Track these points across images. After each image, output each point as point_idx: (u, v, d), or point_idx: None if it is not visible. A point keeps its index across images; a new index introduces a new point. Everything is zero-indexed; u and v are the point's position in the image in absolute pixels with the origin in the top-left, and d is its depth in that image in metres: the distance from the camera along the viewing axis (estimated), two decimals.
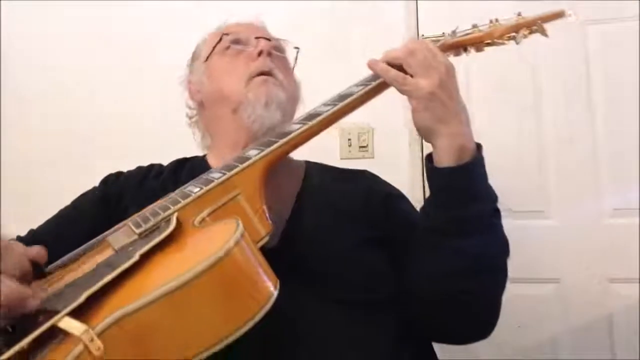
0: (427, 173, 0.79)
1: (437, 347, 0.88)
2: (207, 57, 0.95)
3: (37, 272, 0.62)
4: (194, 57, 1.00)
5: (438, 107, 0.74)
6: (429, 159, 0.78)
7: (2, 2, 1.92)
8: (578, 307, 1.56)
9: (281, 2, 1.74)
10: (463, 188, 0.75)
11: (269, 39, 0.94)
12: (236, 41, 0.93)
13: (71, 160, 1.82)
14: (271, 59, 0.90)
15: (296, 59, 1.00)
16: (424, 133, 0.77)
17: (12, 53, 1.91)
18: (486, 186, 0.78)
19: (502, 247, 0.79)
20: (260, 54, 0.90)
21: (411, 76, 0.75)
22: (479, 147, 0.78)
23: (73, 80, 1.88)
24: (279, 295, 0.58)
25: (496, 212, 0.78)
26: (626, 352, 1.50)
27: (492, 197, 0.78)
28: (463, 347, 1.30)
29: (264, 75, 0.88)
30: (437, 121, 0.74)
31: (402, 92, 0.76)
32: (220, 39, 0.94)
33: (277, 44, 0.96)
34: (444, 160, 0.75)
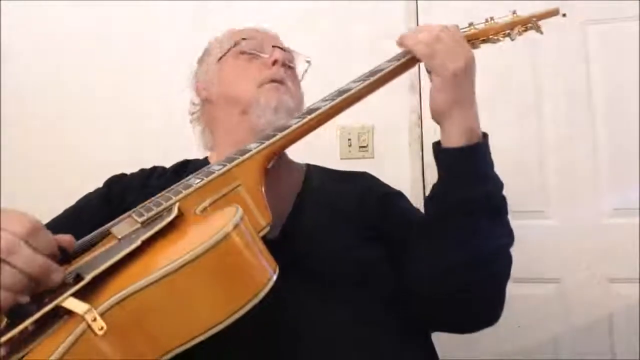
0: (436, 156, 0.80)
1: (437, 346, 0.88)
2: (220, 58, 0.95)
3: (61, 258, 0.63)
4: (206, 54, 0.99)
5: (458, 89, 0.77)
6: (437, 144, 0.80)
7: (2, 2, 1.92)
8: (578, 307, 1.56)
9: (281, 2, 1.74)
10: (472, 169, 0.77)
11: (283, 49, 0.94)
12: (252, 46, 0.93)
13: (71, 161, 1.82)
14: (284, 69, 0.91)
15: (306, 71, 0.99)
16: (439, 113, 0.79)
17: (12, 53, 1.91)
18: (493, 170, 0.79)
19: (508, 237, 0.79)
20: (274, 62, 0.91)
21: None
22: (484, 135, 0.79)
23: (73, 80, 1.88)
24: (279, 288, 0.58)
25: (503, 199, 0.79)
26: (626, 352, 1.50)
27: (498, 182, 0.79)
28: (463, 347, 1.30)
29: (276, 82, 0.89)
30: (455, 102, 0.77)
31: (430, 66, 0.78)
32: (236, 42, 0.94)
33: (291, 56, 0.96)
34: (454, 141, 0.77)
